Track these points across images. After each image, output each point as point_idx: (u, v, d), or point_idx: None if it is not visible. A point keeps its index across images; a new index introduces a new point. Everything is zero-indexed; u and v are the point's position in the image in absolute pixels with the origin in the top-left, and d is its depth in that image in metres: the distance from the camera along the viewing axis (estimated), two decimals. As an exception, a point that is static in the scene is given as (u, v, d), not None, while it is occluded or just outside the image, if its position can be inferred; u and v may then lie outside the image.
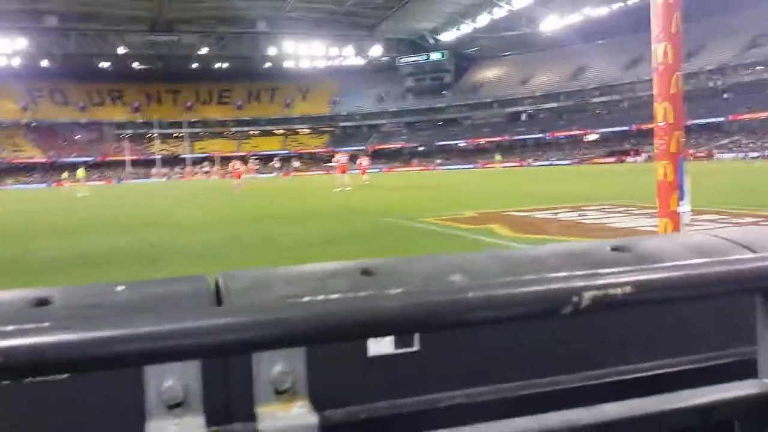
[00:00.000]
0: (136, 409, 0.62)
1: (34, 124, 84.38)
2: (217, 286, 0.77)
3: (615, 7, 68.76)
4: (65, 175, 59.71)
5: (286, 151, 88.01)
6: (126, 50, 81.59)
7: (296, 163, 39.37)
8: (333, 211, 16.22)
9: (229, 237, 11.22)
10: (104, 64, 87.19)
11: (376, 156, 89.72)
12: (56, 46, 77.56)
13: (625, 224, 10.86)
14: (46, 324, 0.49)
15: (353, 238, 10.50)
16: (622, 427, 0.61)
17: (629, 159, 64.28)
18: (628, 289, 0.56)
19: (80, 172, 39.50)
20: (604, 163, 64.91)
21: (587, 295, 0.56)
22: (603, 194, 17.54)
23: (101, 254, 9.56)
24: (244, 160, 46.78)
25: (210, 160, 76.67)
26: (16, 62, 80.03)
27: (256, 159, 62.33)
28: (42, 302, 0.69)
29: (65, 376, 0.46)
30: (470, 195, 21.45)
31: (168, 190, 40.29)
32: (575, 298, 0.56)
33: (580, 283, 0.56)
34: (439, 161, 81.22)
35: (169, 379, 0.61)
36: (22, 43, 75.05)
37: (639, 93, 66.07)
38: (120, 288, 0.73)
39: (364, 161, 33.21)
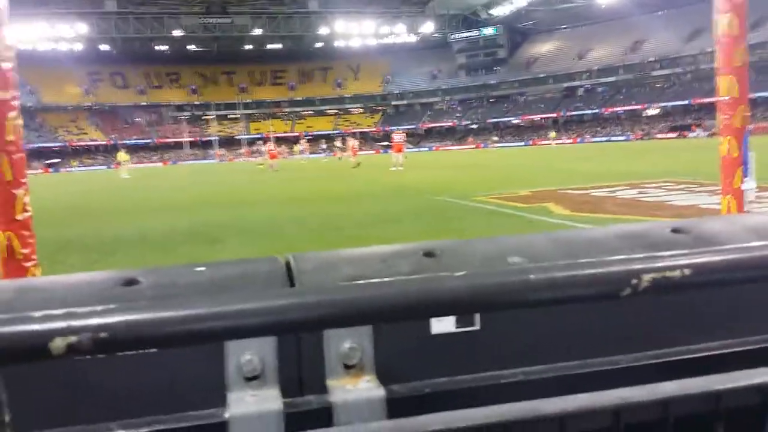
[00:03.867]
0: (217, 381, 0.66)
1: (96, 107, 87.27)
2: (288, 267, 0.81)
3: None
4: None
5: (338, 131, 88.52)
6: (182, 33, 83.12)
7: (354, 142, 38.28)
8: (387, 191, 16.29)
9: (288, 217, 11.43)
10: (161, 47, 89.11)
11: (429, 135, 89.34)
12: (115, 30, 79.62)
13: (686, 202, 10.55)
14: (142, 302, 0.53)
15: (407, 217, 10.54)
16: (679, 405, 0.62)
17: (691, 134, 62.09)
18: (686, 272, 0.57)
19: (121, 155, 39.79)
20: (665, 138, 62.89)
21: (646, 278, 0.56)
22: (663, 171, 17.04)
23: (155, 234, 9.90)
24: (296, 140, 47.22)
25: (265, 139, 77.75)
26: (78, 47, 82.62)
27: (308, 139, 62.92)
28: (130, 282, 0.73)
29: (155, 350, 0.50)
30: (525, 173, 21.18)
31: (218, 171, 41.12)
32: (634, 281, 0.56)
33: (639, 266, 0.57)
34: (494, 139, 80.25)
35: (247, 354, 0.65)
36: (82, 28, 77.31)
37: (701, 66, 63.55)
38: (200, 269, 0.77)
39: (398, 136, 29.34)
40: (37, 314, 0.47)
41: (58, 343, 0.46)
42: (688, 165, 19.16)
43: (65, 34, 78.14)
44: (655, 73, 73.32)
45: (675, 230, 0.97)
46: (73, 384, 0.67)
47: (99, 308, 0.48)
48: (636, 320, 0.88)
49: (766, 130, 54.37)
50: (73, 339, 0.46)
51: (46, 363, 0.47)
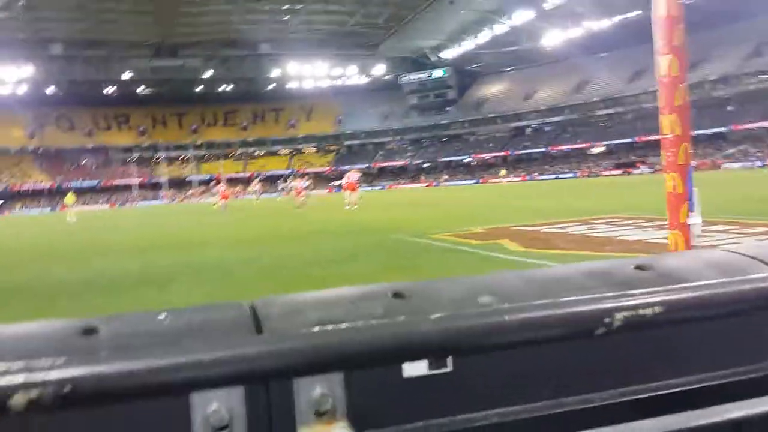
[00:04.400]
0: None
1: (40, 150, 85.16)
2: (254, 311, 0.80)
3: (616, 19, 69.03)
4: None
5: (291, 171, 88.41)
6: (131, 75, 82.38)
7: (298, 183, 38.08)
8: (341, 230, 16.24)
9: (240, 258, 11.24)
10: (110, 90, 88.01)
11: (382, 174, 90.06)
12: (62, 73, 78.42)
13: (635, 237, 10.83)
14: (103, 353, 0.51)
15: (363, 256, 10.50)
16: None
17: (635, 171, 64.21)
18: (658, 309, 0.56)
19: (69, 198, 37.92)
20: (611, 175, 64.86)
21: (618, 316, 0.56)
22: (610, 207, 17.51)
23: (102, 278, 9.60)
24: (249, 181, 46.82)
25: (216, 180, 77.05)
26: (23, 90, 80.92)
27: (259, 180, 62.56)
28: (89, 331, 0.71)
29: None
30: (478, 210, 21.46)
31: (165, 213, 40.45)
32: (607, 319, 0.56)
33: (612, 304, 0.57)
34: (444, 177, 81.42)
35: (214, 404, 0.63)
36: (28, 70, 75.88)
37: (644, 104, 66.16)
38: (162, 316, 0.76)
39: (352, 175, 29.40)
40: None
41: (18, 399, 0.43)
42: (634, 201, 19.74)
43: (10, 77, 76.56)
44: (599, 112, 76.00)
45: (638, 267, 0.98)
46: None
47: (61, 360, 0.46)
48: (610, 357, 0.88)
49: (709, 166, 56.71)
50: (34, 394, 0.43)
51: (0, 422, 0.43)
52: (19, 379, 0.44)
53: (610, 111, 74.69)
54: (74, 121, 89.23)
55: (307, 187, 37.50)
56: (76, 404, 0.45)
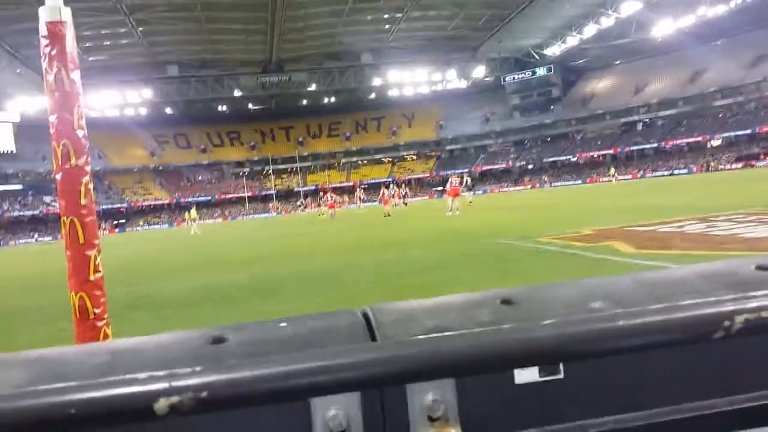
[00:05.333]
0: None
1: (160, 167, 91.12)
2: (366, 319, 0.82)
3: (732, 4, 64.71)
4: (186, 215, 64.32)
5: (392, 178, 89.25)
6: (241, 92, 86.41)
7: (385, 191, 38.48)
8: (444, 236, 16.21)
9: (345, 265, 11.49)
10: (222, 107, 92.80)
11: (484, 177, 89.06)
12: (177, 94, 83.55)
13: (759, 234, 10.08)
14: (232, 361, 0.55)
15: (467, 262, 10.43)
16: None
17: (759, 163, 59.84)
18: None
19: (192, 213, 41.90)
20: (731, 169, 60.80)
21: (739, 319, 0.54)
22: (731, 203, 16.39)
23: (217, 288, 10.09)
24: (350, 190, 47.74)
25: (323, 191, 79.24)
26: (143, 111, 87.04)
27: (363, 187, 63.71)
28: (218, 340, 0.76)
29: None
30: (586, 212, 20.75)
31: (276, 224, 41.89)
32: (727, 323, 0.54)
33: (731, 307, 0.55)
34: (549, 178, 79.34)
35: (332, 409, 0.66)
36: (147, 93, 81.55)
37: (766, 92, 61.58)
38: (283, 324, 0.81)
39: (454, 180, 28.45)
40: (141, 375, 0.49)
41: (162, 404, 0.48)
42: (757, 195, 18.39)
43: (131, 100, 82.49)
44: (716, 103, 71.42)
45: (760, 267, 0.93)
46: None
47: (198, 368, 0.50)
48: (729, 363, 0.85)
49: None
50: (175, 399, 0.48)
51: (146, 423, 0.48)
52: (163, 385, 0.49)
53: (729, 101, 69.92)
54: (190, 139, 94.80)
55: (394, 195, 38.24)
56: (210, 408, 0.49)
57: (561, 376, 0.79)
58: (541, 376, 0.78)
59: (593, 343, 0.53)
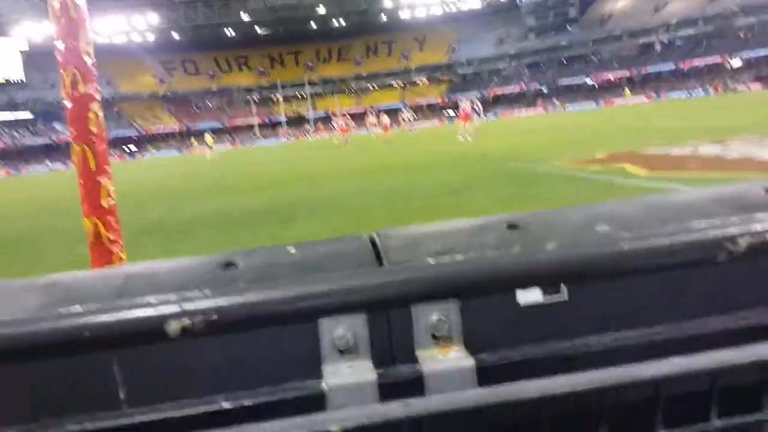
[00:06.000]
0: (313, 355, 0.70)
1: (169, 94, 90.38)
2: (373, 244, 0.83)
3: None
4: (194, 141, 64.44)
5: (403, 102, 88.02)
6: (248, 17, 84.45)
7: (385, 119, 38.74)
8: (455, 160, 16.14)
9: (355, 191, 11.53)
10: (230, 32, 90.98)
11: (497, 101, 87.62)
12: (184, 19, 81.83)
13: (776, 156, 9.97)
14: (242, 284, 0.56)
15: (479, 186, 10.43)
16: None
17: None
18: None
19: (207, 138, 42.18)
20: (750, 90, 59.33)
21: (742, 242, 0.55)
22: (748, 125, 16.12)
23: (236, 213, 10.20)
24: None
25: (335, 115, 78.37)
26: (151, 38, 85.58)
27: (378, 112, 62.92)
28: (228, 265, 0.77)
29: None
30: (599, 134, 20.51)
31: (289, 149, 41.80)
32: (730, 245, 0.55)
33: (735, 230, 0.56)
34: (562, 102, 77.90)
35: (339, 329, 0.68)
36: (154, 18, 79.97)
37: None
38: (292, 250, 0.81)
39: (465, 104, 28.09)
40: (154, 299, 0.51)
41: (173, 326, 0.50)
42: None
43: (138, 26, 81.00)
44: (739, 23, 68.96)
45: None
46: (179, 362, 0.72)
47: (208, 292, 0.52)
48: (731, 284, 0.86)
49: None
50: (187, 322, 0.50)
51: (157, 345, 0.51)
52: (174, 308, 0.51)
53: (751, 20, 67.51)
54: (198, 65, 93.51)
55: (406, 120, 38.12)
56: (221, 331, 0.51)
57: (565, 298, 0.80)
58: (544, 298, 0.80)
59: (596, 265, 0.55)
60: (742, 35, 69.73)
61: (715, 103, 36.95)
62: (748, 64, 67.36)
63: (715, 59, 69.64)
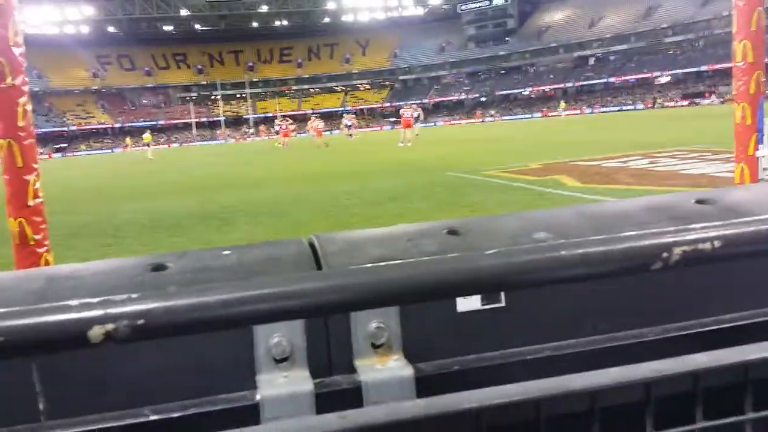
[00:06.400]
0: (247, 364, 0.67)
1: (103, 90, 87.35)
2: (312, 248, 0.81)
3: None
4: (128, 140, 62.51)
5: (344, 108, 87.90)
6: (188, 12, 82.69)
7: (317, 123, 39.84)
8: (394, 167, 16.24)
9: (294, 196, 11.43)
10: (168, 28, 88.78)
11: (437, 109, 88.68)
12: (121, 12, 79.40)
13: (699, 171, 10.45)
14: (172, 288, 0.54)
15: (416, 194, 10.52)
16: (709, 377, 0.61)
17: (704, 101, 61.26)
18: (717, 243, 0.56)
19: (146, 137, 41.56)
20: (677, 106, 62.09)
21: (677, 251, 0.56)
22: (675, 140, 16.87)
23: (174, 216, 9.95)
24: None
25: (277, 118, 77.42)
26: (85, 30, 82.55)
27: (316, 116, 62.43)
28: (159, 267, 0.74)
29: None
30: (534, 146, 21.04)
31: (227, 152, 41.14)
32: (665, 254, 0.56)
33: (670, 239, 0.57)
34: (499, 112, 79.49)
35: (275, 336, 0.66)
36: (88, 10, 77.22)
37: (716, 31, 62.45)
38: (227, 252, 0.78)
39: (406, 112, 28.66)
40: (75, 303, 0.48)
41: (96, 331, 0.47)
42: (700, 133, 18.95)
43: (72, 16, 78.04)
44: (668, 40, 72.18)
45: (700, 201, 0.96)
46: (104, 370, 0.68)
47: (134, 295, 0.49)
48: (666, 293, 0.87)
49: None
50: (110, 327, 0.47)
51: (79, 351, 0.48)
52: (97, 312, 0.47)
53: (679, 38, 70.80)
54: (134, 60, 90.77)
55: (351, 126, 38.57)
56: (148, 336, 0.49)
57: (502, 304, 0.80)
58: (483, 305, 0.79)
59: (534, 272, 0.55)
60: (670, 53, 72.95)
61: (645, 118, 38.49)
62: (676, 81, 70.48)
63: (645, 75, 72.58)
